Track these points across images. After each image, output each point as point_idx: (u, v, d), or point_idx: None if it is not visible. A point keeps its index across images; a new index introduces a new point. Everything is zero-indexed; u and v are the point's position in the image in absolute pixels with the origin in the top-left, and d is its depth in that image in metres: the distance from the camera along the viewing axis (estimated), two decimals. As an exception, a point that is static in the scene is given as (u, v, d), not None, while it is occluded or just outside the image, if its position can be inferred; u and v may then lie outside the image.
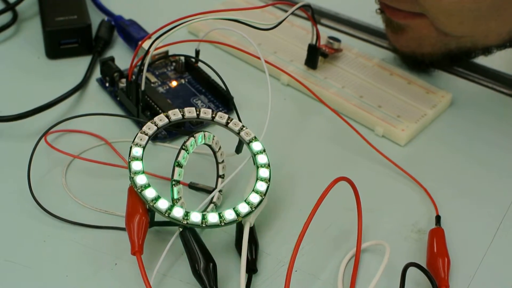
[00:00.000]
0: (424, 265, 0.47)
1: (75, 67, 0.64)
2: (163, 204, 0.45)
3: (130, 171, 0.46)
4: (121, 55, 0.65)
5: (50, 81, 0.63)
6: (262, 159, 0.49)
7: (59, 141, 0.56)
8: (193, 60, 0.63)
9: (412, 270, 0.46)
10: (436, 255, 0.48)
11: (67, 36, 0.65)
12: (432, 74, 0.66)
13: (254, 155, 0.49)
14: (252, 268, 0.47)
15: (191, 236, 0.46)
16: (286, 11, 0.59)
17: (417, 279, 0.47)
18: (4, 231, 0.49)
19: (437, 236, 0.50)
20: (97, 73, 0.64)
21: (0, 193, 0.52)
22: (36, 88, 0.62)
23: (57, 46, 0.65)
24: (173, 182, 0.47)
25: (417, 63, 0.64)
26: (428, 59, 0.63)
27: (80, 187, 0.52)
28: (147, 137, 0.48)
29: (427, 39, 0.60)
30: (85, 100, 0.61)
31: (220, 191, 0.51)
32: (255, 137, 0.50)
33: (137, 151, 0.47)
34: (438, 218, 0.52)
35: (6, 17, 0.69)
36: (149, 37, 0.56)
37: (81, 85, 0.61)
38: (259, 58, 0.53)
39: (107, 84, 0.62)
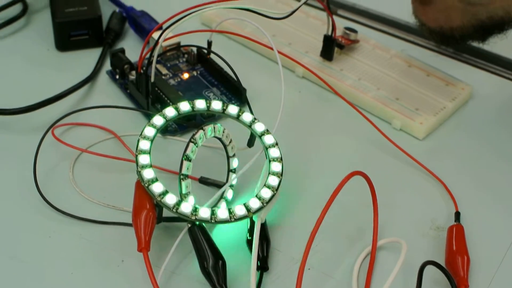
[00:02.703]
0: (442, 263, 0.46)
1: (85, 59, 0.63)
2: (171, 199, 0.44)
3: (137, 164, 0.45)
4: (132, 47, 0.64)
5: (60, 74, 0.62)
6: (274, 152, 0.48)
7: (67, 135, 0.55)
8: (205, 51, 0.61)
9: (430, 269, 0.44)
10: (455, 253, 0.46)
11: (77, 28, 0.64)
12: (461, 47, 0.63)
13: (266, 148, 0.48)
14: (263, 266, 0.46)
15: (200, 232, 0.44)
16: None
17: (435, 278, 0.46)
18: (9, 227, 0.48)
19: (456, 233, 0.48)
20: (107, 65, 0.62)
21: (5, 187, 0.51)
22: (45, 80, 0.61)
23: (67, 38, 0.64)
24: (181, 176, 0.45)
25: (446, 37, 0.60)
26: (458, 34, 0.59)
27: (88, 182, 0.51)
28: (155, 130, 0.47)
29: (454, 10, 0.57)
30: (95, 93, 0.60)
31: (231, 185, 0.50)
32: (267, 130, 0.49)
33: (144, 144, 0.46)
34: (457, 215, 0.50)
35: (16, 8, 0.68)
36: (160, 27, 0.55)
37: (91, 78, 0.60)
38: (272, 49, 0.51)
39: (117, 77, 0.61)
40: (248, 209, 0.45)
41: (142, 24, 0.66)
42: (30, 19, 0.69)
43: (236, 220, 0.44)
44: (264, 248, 0.46)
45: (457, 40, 0.59)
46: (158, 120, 0.47)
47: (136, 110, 0.57)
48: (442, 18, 0.58)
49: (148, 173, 0.44)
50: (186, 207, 0.44)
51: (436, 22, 0.58)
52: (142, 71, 0.55)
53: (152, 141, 0.46)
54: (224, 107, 0.49)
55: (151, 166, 0.45)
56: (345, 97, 0.57)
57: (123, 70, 0.60)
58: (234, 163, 0.51)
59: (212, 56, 0.61)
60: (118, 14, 0.67)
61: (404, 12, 0.62)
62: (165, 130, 0.55)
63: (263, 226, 0.46)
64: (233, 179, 0.49)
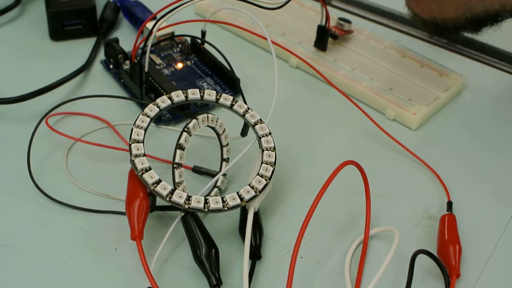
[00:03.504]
0: (434, 252, 0.46)
1: (79, 49, 0.63)
2: (164, 188, 0.44)
3: (130, 154, 0.45)
4: (126, 37, 0.64)
5: (54, 63, 0.62)
6: (267, 142, 0.48)
7: (61, 124, 0.55)
8: (199, 41, 0.61)
9: (422, 258, 0.45)
10: (447, 242, 0.47)
11: (71, 18, 0.64)
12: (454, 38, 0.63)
13: (259, 138, 0.48)
14: (256, 254, 0.46)
15: (193, 221, 0.44)
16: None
17: (427, 267, 0.46)
18: (2, 215, 0.48)
19: (448, 222, 0.48)
20: (101, 55, 0.62)
21: (-1, 176, 0.51)
22: (39, 70, 0.61)
23: (61, 28, 0.64)
24: (175, 165, 0.45)
25: (439, 28, 0.60)
26: (452, 25, 0.58)
27: (81, 171, 0.51)
28: (148, 119, 0.47)
29: (450, 1, 0.57)
30: (89, 82, 0.60)
31: (224, 175, 0.50)
32: (260, 120, 0.49)
33: (138, 134, 0.46)
34: (449, 204, 0.50)
35: (10, -2, 0.68)
36: (154, 17, 0.55)
37: (85, 67, 0.60)
38: (266, 39, 0.51)
39: (111, 66, 0.61)
40: (241, 198, 0.45)
41: (136, 14, 0.66)
42: (24, 8, 0.68)
43: (229, 209, 0.44)
44: (257, 236, 0.46)
45: (451, 31, 0.59)
46: (151, 109, 0.47)
47: (130, 99, 0.57)
48: (436, 9, 0.58)
49: (141, 162, 0.44)
50: (179, 196, 0.44)
51: (429, 13, 0.58)
52: (136, 61, 0.55)
53: (145, 130, 0.46)
54: (218, 97, 0.49)
55: (144, 155, 0.45)
56: (338, 87, 0.57)
57: (117, 60, 0.60)
58: (227, 152, 0.51)
59: (206, 46, 0.61)
60: (112, 4, 0.67)
61: (398, 3, 0.62)
62: (159, 120, 0.55)
63: (256, 215, 0.46)
64: (226, 168, 0.49)
